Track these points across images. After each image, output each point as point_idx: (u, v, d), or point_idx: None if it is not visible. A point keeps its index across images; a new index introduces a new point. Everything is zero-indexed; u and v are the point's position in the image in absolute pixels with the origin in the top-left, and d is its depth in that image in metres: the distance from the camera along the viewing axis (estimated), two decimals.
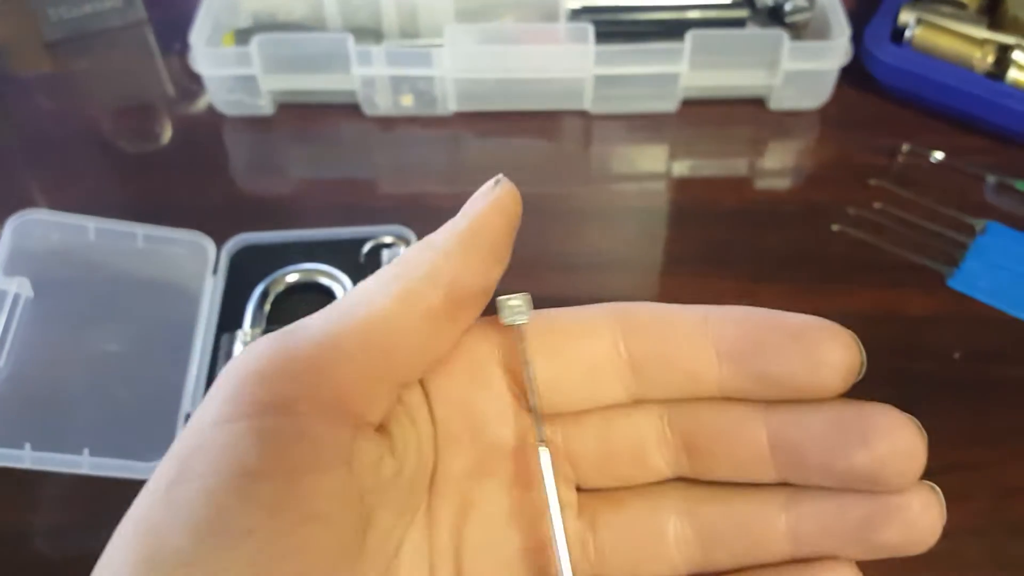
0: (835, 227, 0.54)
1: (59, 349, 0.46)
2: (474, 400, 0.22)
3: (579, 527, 0.23)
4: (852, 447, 0.19)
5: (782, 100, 0.61)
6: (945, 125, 0.59)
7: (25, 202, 0.51)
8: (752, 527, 0.21)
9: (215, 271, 0.50)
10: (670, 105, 0.61)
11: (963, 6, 0.61)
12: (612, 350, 0.22)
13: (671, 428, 0.22)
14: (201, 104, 0.63)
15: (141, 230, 0.49)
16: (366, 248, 0.51)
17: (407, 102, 0.60)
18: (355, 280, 0.49)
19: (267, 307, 0.49)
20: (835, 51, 0.58)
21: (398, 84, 0.59)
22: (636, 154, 0.61)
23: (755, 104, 0.62)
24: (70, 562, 0.40)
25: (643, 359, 0.22)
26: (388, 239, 0.51)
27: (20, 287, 0.46)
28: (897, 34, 0.60)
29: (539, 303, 0.23)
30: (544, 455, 0.21)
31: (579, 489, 0.23)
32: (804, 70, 0.59)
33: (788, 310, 0.21)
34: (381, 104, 0.60)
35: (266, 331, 0.45)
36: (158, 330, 0.47)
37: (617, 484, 0.23)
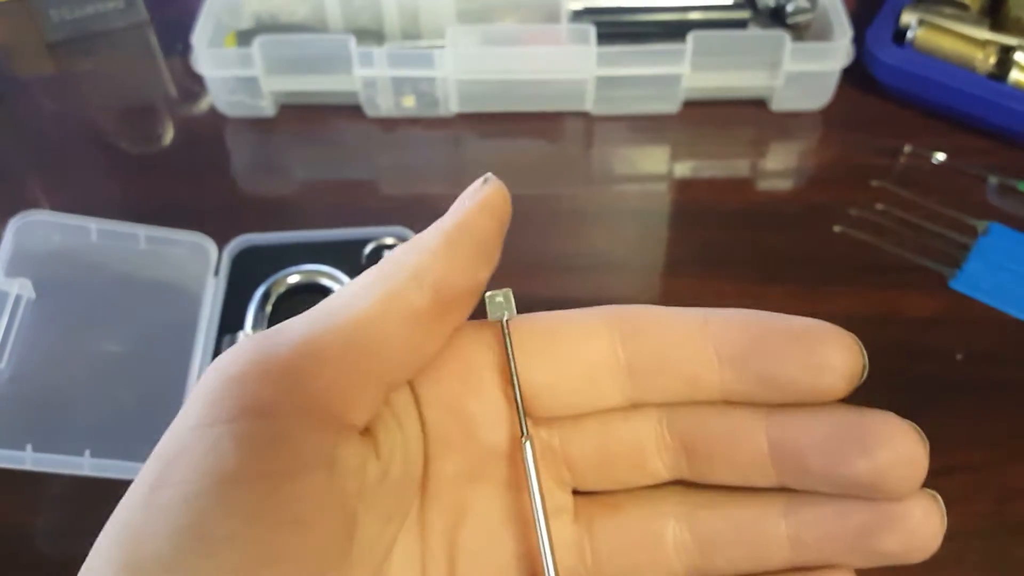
0: (837, 228, 0.54)
1: (61, 350, 0.46)
2: (466, 403, 0.22)
3: (576, 532, 0.23)
4: (853, 455, 0.19)
5: (784, 101, 0.61)
6: (947, 126, 0.59)
7: (27, 203, 0.51)
8: (752, 533, 0.21)
9: (217, 272, 0.50)
10: (672, 106, 0.61)
11: (965, 7, 0.61)
12: (610, 354, 0.21)
13: (670, 432, 0.22)
14: (203, 105, 0.63)
15: (143, 231, 0.49)
16: (368, 249, 0.51)
17: (409, 103, 0.60)
18: None
19: (268, 308, 0.49)
20: (837, 52, 0.58)
21: (400, 85, 0.59)
22: (638, 155, 0.61)
23: (757, 105, 0.62)
24: (71, 562, 0.40)
25: (641, 363, 0.21)
26: (390, 240, 0.51)
27: (22, 288, 0.46)
28: (899, 35, 0.60)
29: (540, 304, 0.23)
30: (527, 448, 0.21)
31: (576, 493, 0.23)
32: (806, 71, 0.59)
33: (790, 311, 0.20)
34: (383, 105, 0.60)
35: None
36: (160, 331, 0.48)
37: (615, 487, 0.23)
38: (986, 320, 0.50)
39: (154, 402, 0.45)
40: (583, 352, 0.22)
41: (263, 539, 0.17)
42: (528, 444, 0.21)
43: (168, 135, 0.62)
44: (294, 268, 0.50)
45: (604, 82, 0.59)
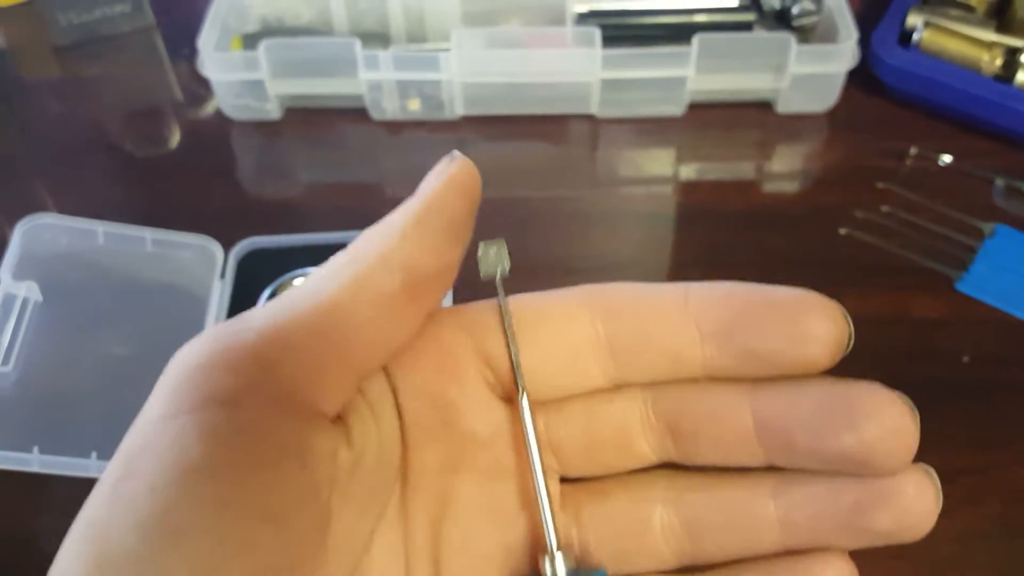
0: (843, 230, 0.54)
1: (67, 353, 0.46)
2: (445, 391, 0.22)
3: (564, 520, 0.22)
4: (839, 429, 0.19)
5: (789, 103, 0.61)
6: (953, 128, 0.59)
7: (34, 206, 0.51)
8: (741, 515, 0.21)
9: (223, 275, 0.50)
10: (677, 109, 0.61)
11: (971, 9, 0.61)
12: (590, 333, 0.21)
13: (655, 412, 0.21)
14: (209, 108, 0.63)
15: (149, 234, 0.50)
16: None
17: (414, 106, 0.60)
18: None
19: None
20: (842, 54, 0.58)
21: (405, 88, 0.59)
22: (643, 158, 0.61)
23: (762, 107, 0.62)
24: None
25: (622, 341, 0.21)
26: None
27: (29, 291, 0.46)
28: (905, 37, 0.60)
29: None
30: (524, 401, 0.21)
31: (563, 480, 0.23)
32: (811, 73, 0.59)
33: None
34: (388, 108, 0.61)
35: None
36: (166, 334, 0.48)
37: (602, 472, 0.22)
38: (992, 322, 0.49)
39: None
40: (564, 333, 0.21)
41: (232, 530, 0.17)
42: (525, 398, 0.21)
43: (174, 138, 0.62)
44: (300, 271, 0.50)
45: (609, 85, 0.59)
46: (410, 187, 0.21)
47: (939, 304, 0.50)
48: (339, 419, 0.20)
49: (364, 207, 0.57)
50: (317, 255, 0.51)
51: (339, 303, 0.19)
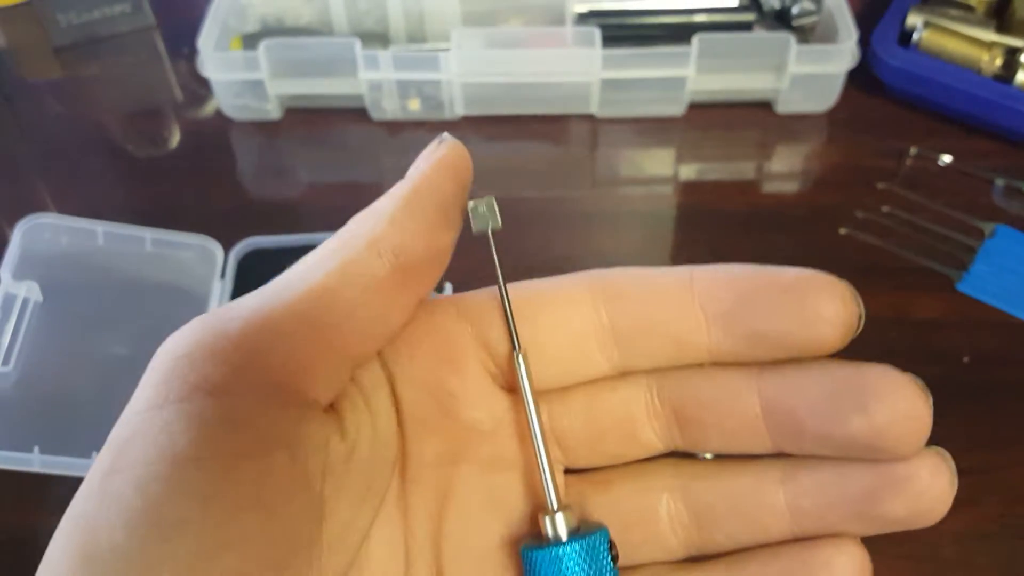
0: (843, 231, 0.54)
1: (68, 353, 0.46)
2: (445, 380, 0.21)
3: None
4: (848, 413, 0.18)
5: (789, 103, 0.61)
6: (953, 128, 0.59)
7: (34, 206, 0.51)
8: (749, 503, 0.20)
9: (223, 275, 0.50)
10: (677, 109, 0.61)
11: (971, 9, 0.61)
12: (595, 319, 0.20)
13: (660, 399, 0.21)
14: (209, 108, 0.63)
15: (149, 234, 0.50)
16: None
17: (414, 106, 0.60)
18: None
19: None
20: (842, 54, 0.58)
21: (405, 88, 0.59)
22: (643, 158, 0.61)
23: (762, 108, 0.62)
24: None
25: (627, 327, 0.20)
26: None
27: (29, 291, 0.46)
28: (904, 37, 0.60)
29: None
30: (520, 362, 0.20)
31: (568, 471, 0.22)
32: (811, 73, 0.59)
33: None
34: (388, 108, 0.61)
35: None
36: (166, 334, 0.48)
37: (608, 462, 0.22)
38: (993, 322, 0.49)
39: None
40: (567, 320, 0.21)
41: (221, 522, 0.16)
42: (520, 357, 0.20)
43: (174, 138, 0.62)
44: None
45: (609, 85, 0.59)
46: None
47: (939, 304, 0.50)
48: (332, 409, 0.19)
49: (364, 207, 0.57)
50: None
51: (328, 289, 0.19)
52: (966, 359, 0.48)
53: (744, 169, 0.60)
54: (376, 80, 0.59)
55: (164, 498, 0.16)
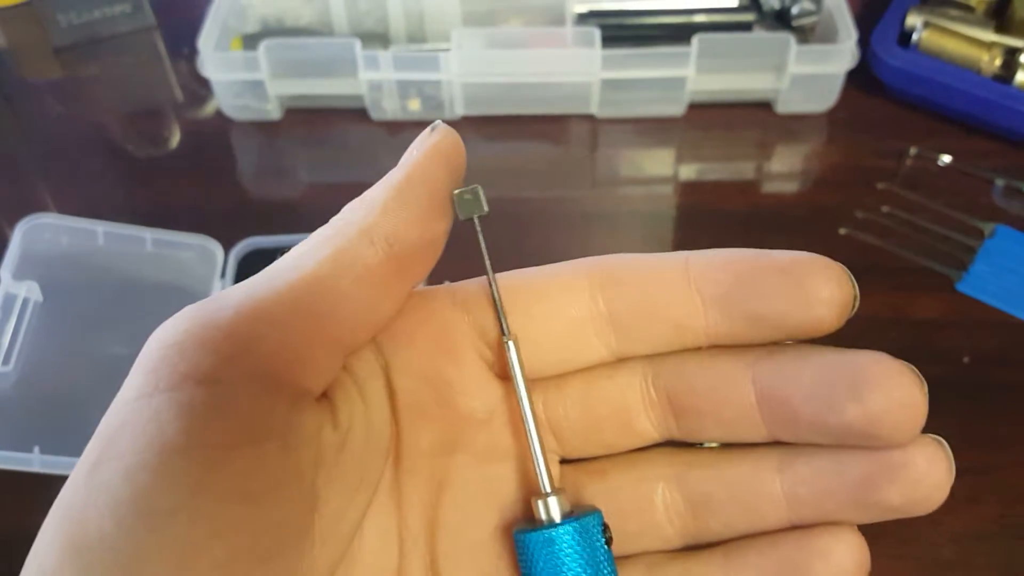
0: (843, 231, 0.54)
1: (68, 353, 0.46)
2: (440, 370, 0.21)
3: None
4: (843, 400, 0.18)
5: (789, 104, 0.61)
6: (953, 128, 0.59)
7: (34, 206, 0.51)
8: (746, 491, 0.20)
9: (223, 275, 0.50)
10: (677, 109, 0.61)
11: (970, 9, 0.61)
12: (591, 305, 0.20)
13: (655, 387, 0.21)
14: (209, 108, 0.63)
15: (149, 234, 0.50)
16: None
17: (414, 106, 0.60)
18: None
19: None
20: (842, 54, 0.58)
21: (405, 88, 0.59)
22: (643, 158, 0.61)
23: (762, 108, 0.62)
24: None
25: (624, 312, 0.20)
26: None
27: (29, 291, 0.46)
28: (904, 37, 0.60)
29: None
30: (511, 347, 0.20)
31: (563, 461, 0.22)
32: (811, 74, 0.59)
33: None
34: (388, 109, 0.61)
35: None
36: None
37: (604, 451, 0.22)
38: (993, 322, 0.49)
39: None
40: (562, 305, 0.21)
41: (211, 512, 0.16)
42: (510, 343, 0.20)
43: (174, 138, 0.62)
44: None
45: (609, 85, 0.59)
46: None
47: (939, 304, 0.50)
48: (324, 398, 0.19)
49: None
50: None
51: (320, 277, 0.19)
52: (966, 359, 0.48)
53: (744, 169, 0.60)
54: (376, 80, 0.59)
55: (153, 488, 0.16)
